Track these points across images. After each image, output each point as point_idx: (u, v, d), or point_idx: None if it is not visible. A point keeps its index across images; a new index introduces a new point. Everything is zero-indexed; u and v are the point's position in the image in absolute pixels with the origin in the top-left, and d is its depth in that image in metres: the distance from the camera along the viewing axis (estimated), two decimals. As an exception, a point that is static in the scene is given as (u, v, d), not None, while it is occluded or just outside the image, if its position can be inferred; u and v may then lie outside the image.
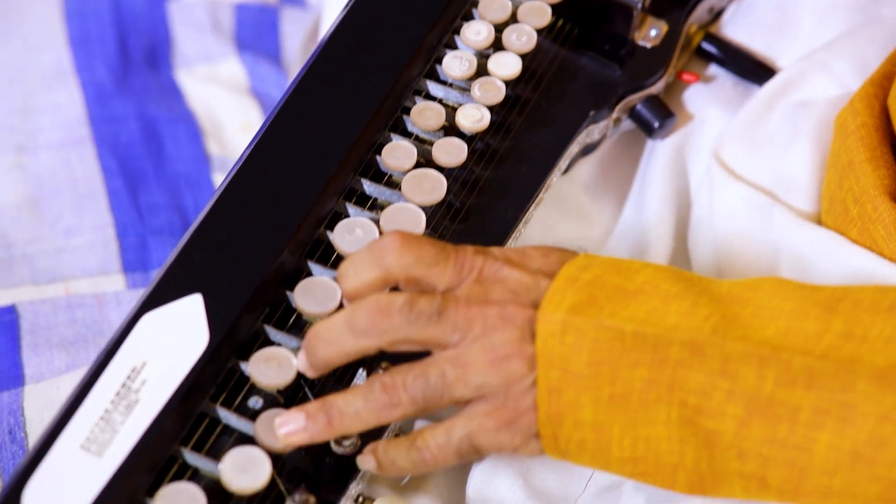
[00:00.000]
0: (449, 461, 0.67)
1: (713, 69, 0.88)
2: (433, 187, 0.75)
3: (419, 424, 0.77)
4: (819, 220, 0.79)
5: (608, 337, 0.63)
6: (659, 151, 0.85)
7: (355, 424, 0.66)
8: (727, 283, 0.66)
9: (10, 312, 0.86)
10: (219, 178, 0.95)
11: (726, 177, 0.81)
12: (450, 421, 0.67)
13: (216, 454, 0.67)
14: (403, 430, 0.77)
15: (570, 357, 0.64)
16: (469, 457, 0.67)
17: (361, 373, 0.71)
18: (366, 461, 0.69)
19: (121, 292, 0.88)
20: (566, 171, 0.84)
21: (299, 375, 0.69)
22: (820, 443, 0.61)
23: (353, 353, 0.67)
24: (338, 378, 0.72)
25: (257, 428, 0.67)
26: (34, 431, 0.79)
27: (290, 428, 0.66)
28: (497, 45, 0.80)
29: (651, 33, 0.84)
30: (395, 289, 0.68)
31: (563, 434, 0.65)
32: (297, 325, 0.72)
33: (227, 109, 0.98)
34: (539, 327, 0.64)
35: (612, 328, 0.63)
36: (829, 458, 0.61)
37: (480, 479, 0.73)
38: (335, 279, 0.71)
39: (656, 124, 0.84)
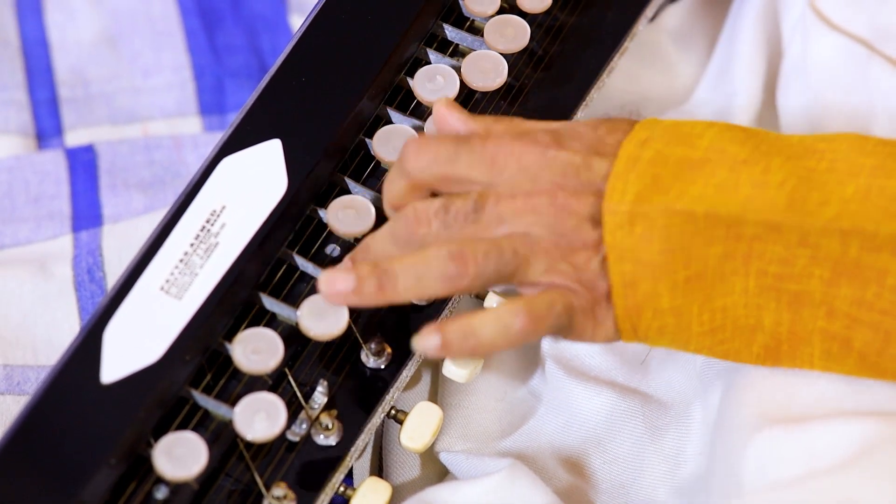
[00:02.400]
0: (541, 335, 0.64)
1: None
2: (516, 34, 0.73)
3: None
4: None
5: (679, 221, 0.61)
6: None
7: (413, 291, 0.63)
8: (798, 136, 0.63)
9: (89, 151, 0.86)
10: (296, 21, 0.93)
11: (821, 25, 0.78)
12: (547, 294, 0.63)
13: (294, 301, 0.68)
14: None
15: (641, 247, 0.62)
16: (561, 334, 0.64)
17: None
18: (429, 341, 0.62)
19: (197, 135, 0.88)
20: (653, 18, 0.82)
21: (377, 223, 0.69)
22: None
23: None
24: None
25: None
26: (112, 272, 0.80)
27: (339, 288, 0.63)
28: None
29: None
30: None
31: (642, 325, 0.63)
32: (376, 175, 0.71)
33: (305, -52, 0.96)
34: (605, 220, 0.62)
35: (682, 212, 0.61)
36: None
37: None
38: (415, 127, 0.70)
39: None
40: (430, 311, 0.69)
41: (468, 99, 0.74)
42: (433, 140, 0.65)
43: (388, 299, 0.63)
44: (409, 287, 0.63)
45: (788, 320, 0.62)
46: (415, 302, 0.69)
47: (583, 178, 0.63)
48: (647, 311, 0.63)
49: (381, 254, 0.65)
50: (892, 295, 0.60)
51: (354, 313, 0.69)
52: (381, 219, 0.70)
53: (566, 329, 0.64)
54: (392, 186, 0.66)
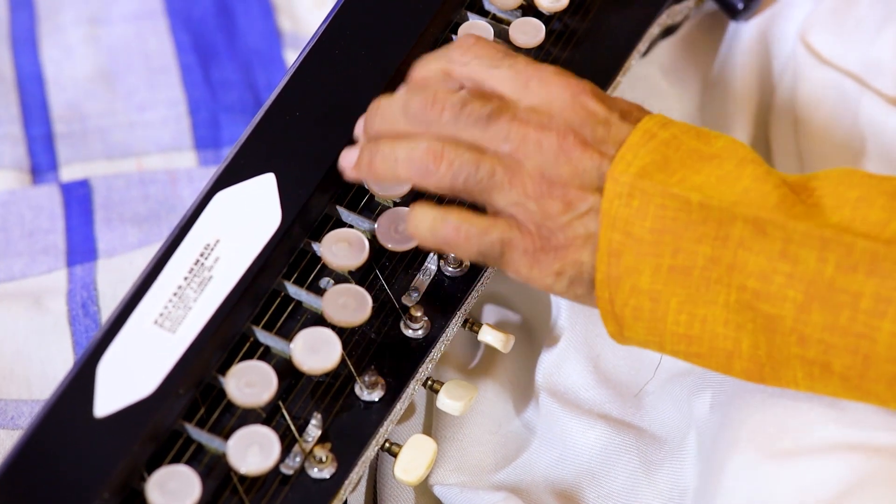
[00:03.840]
0: (467, 254, 0.66)
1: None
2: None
3: (488, 312, 0.77)
4: (907, 109, 0.77)
5: (674, 205, 0.62)
6: (742, 34, 0.83)
7: (389, 171, 0.66)
8: (793, 176, 0.64)
9: (84, 186, 0.86)
10: (291, 55, 0.94)
11: (812, 61, 0.79)
12: (492, 219, 0.65)
13: (287, 334, 0.68)
14: (473, 316, 0.77)
15: (633, 221, 0.63)
16: (488, 262, 0.66)
17: (433, 255, 0.71)
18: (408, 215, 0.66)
19: (192, 169, 0.88)
20: (645, 53, 0.82)
21: (370, 258, 0.69)
22: (882, 331, 0.60)
23: (402, 133, 0.66)
24: (409, 261, 0.71)
25: (325, 304, 0.67)
26: (107, 305, 0.80)
27: (347, 162, 0.68)
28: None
29: (738, -89, 0.81)
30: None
31: (619, 298, 0.64)
32: (370, 207, 0.72)
33: (300, -16, 0.97)
34: (607, 187, 0.63)
35: (678, 196, 0.62)
36: (893, 345, 0.60)
37: (550, 364, 0.73)
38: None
39: (740, 6, 0.82)
40: (424, 343, 0.69)
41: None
42: (486, 43, 0.67)
43: (375, 175, 0.66)
44: (386, 165, 0.66)
45: (765, 344, 0.62)
46: (407, 333, 0.69)
47: (598, 133, 0.64)
48: (625, 284, 0.63)
49: (388, 116, 0.66)
50: (866, 318, 0.60)
51: (348, 346, 0.69)
52: (374, 252, 0.70)
53: (496, 260, 0.66)
54: (428, 65, 0.68)
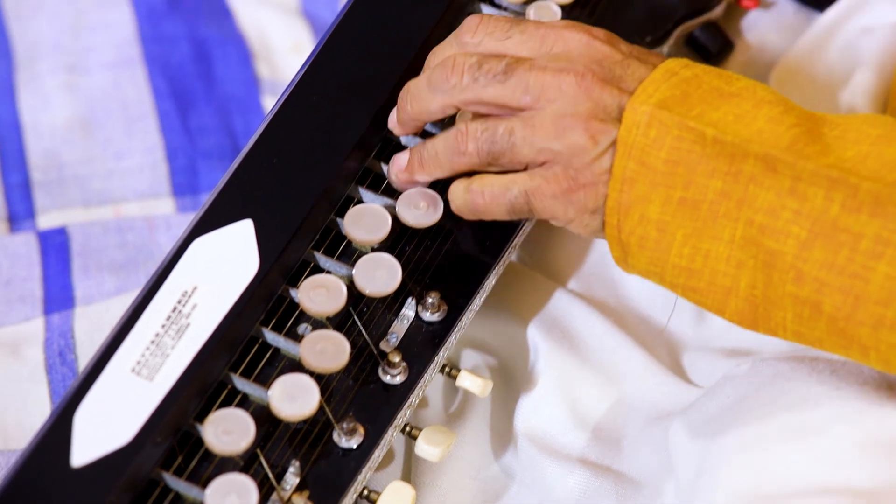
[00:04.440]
0: (499, 213, 0.68)
1: (774, -5, 0.86)
2: (486, 114, 0.74)
3: (466, 357, 0.77)
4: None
5: (690, 138, 0.64)
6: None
7: (437, 167, 0.69)
8: (824, 114, 0.66)
9: (61, 234, 0.86)
10: (269, 101, 0.94)
11: None
12: (511, 175, 0.68)
13: (265, 381, 0.68)
14: (452, 361, 0.77)
15: (649, 150, 0.64)
16: (520, 215, 0.68)
17: (410, 301, 0.71)
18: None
19: (170, 216, 0.88)
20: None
21: (348, 303, 0.69)
22: (877, 272, 0.61)
23: (433, 110, 0.69)
24: (387, 307, 0.71)
25: (303, 350, 0.67)
26: (84, 353, 0.80)
27: (399, 165, 0.70)
28: (554, -31, 0.78)
29: (711, -43, 0.82)
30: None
31: (626, 226, 0.65)
32: (347, 253, 0.72)
33: (277, 31, 0.97)
34: (626, 116, 0.65)
35: (694, 129, 0.64)
36: (885, 287, 0.61)
37: (528, 409, 0.73)
38: (386, 206, 0.71)
39: (714, 51, 0.82)
40: (402, 389, 0.69)
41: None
42: (491, 19, 0.69)
43: (427, 175, 0.70)
44: (434, 163, 0.69)
45: (762, 283, 0.63)
46: (385, 379, 0.69)
47: (616, 72, 0.66)
48: (634, 212, 0.65)
49: (416, 95, 0.69)
50: (864, 259, 0.61)
51: (326, 393, 0.69)
52: (352, 298, 0.70)
53: (527, 212, 0.68)
54: (442, 52, 0.70)
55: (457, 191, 0.69)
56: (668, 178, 0.64)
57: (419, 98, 0.69)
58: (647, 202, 0.65)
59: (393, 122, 0.72)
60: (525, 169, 0.68)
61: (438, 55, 0.71)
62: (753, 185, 0.63)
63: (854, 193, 0.61)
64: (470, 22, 0.69)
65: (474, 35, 0.69)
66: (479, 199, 0.68)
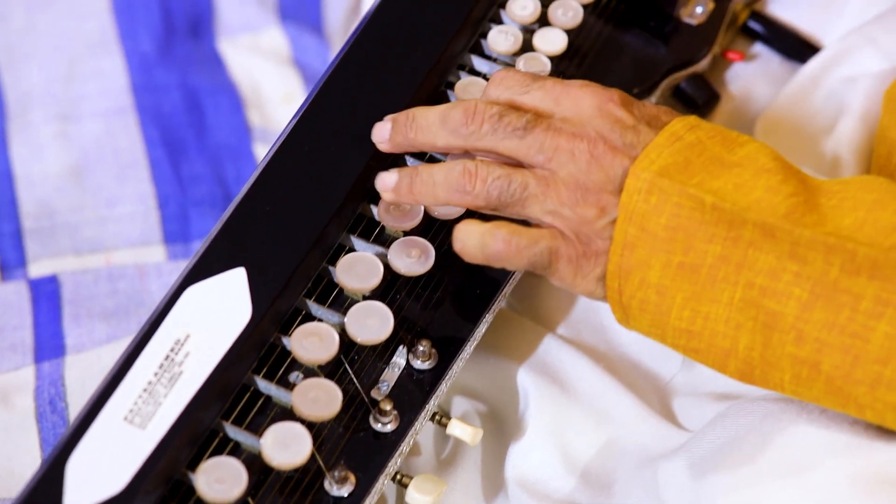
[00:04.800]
0: (516, 265, 0.68)
1: (758, 48, 0.87)
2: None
3: (457, 404, 0.77)
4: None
5: (689, 205, 0.65)
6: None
7: (430, 195, 0.69)
8: (821, 180, 0.67)
9: (52, 282, 0.86)
10: (260, 150, 0.95)
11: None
12: (538, 230, 0.68)
13: (257, 429, 0.68)
14: (443, 408, 0.77)
15: (650, 216, 0.65)
16: (536, 270, 0.69)
17: (402, 349, 0.72)
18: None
19: (161, 263, 0.88)
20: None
21: (340, 351, 0.69)
22: (877, 331, 0.62)
23: (440, 146, 0.70)
24: (378, 355, 0.72)
25: (295, 399, 0.67)
26: (75, 402, 0.80)
27: (386, 183, 0.70)
28: (543, 21, 0.79)
29: (697, 10, 0.83)
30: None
31: (627, 289, 0.66)
32: (339, 301, 0.72)
33: (269, 80, 0.98)
34: (628, 182, 0.66)
35: (694, 196, 0.65)
36: (884, 346, 0.62)
37: (518, 455, 0.74)
38: (378, 254, 0.71)
39: (700, 103, 0.83)
40: (393, 437, 0.69)
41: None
42: (515, 72, 0.71)
43: (415, 199, 0.70)
44: (428, 190, 0.69)
45: (761, 344, 0.64)
46: (377, 427, 0.69)
47: (627, 139, 0.67)
48: (635, 277, 0.66)
49: (425, 127, 0.70)
50: (864, 318, 0.62)
51: (318, 441, 0.69)
52: (344, 346, 0.70)
53: (545, 269, 0.68)
54: (469, 101, 0.71)
55: (473, 232, 0.68)
56: (668, 243, 0.65)
57: (427, 131, 0.70)
58: (647, 267, 0.66)
59: (381, 137, 0.71)
60: (526, 223, 0.69)
61: (464, 97, 0.72)
62: (753, 250, 0.64)
63: (852, 258, 0.63)
64: (498, 74, 0.71)
65: (496, 88, 0.70)
66: (502, 246, 0.68)
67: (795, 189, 0.65)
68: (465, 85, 0.76)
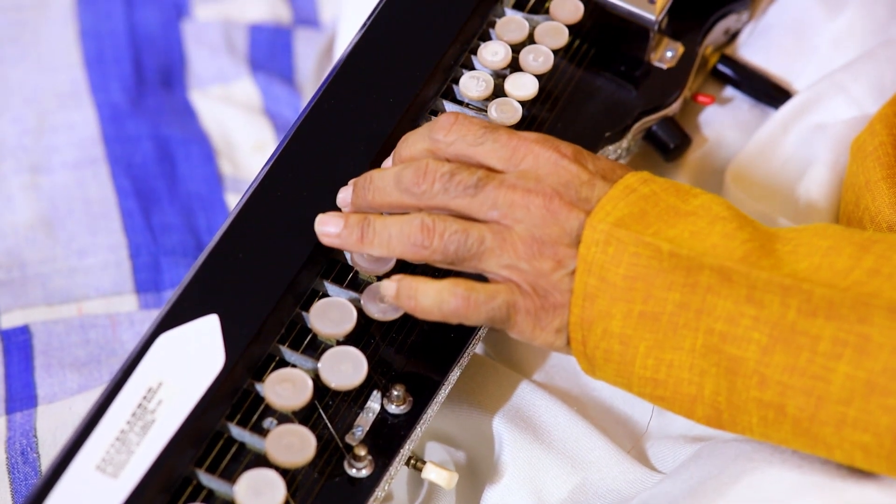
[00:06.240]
0: (477, 321, 0.68)
1: (729, 91, 0.88)
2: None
3: (431, 450, 0.77)
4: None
5: (647, 253, 0.65)
6: (673, 175, 0.85)
7: (383, 247, 0.68)
8: (775, 228, 0.67)
9: (24, 333, 0.86)
10: (232, 199, 0.95)
11: (741, 200, 0.81)
12: (493, 286, 0.68)
13: (231, 476, 0.67)
14: (417, 454, 0.77)
15: (608, 267, 0.65)
16: (496, 325, 0.68)
17: (376, 394, 0.71)
18: (387, 287, 0.69)
19: (133, 313, 0.88)
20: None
21: (313, 396, 0.69)
22: (838, 372, 0.62)
23: (395, 205, 0.69)
24: (352, 400, 0.71)
25: (268, 445, 0.66)
26: (47, 452, 0.79)
27: (327, 229, 0.69)
28: (514, 66, 0.80)
29: (667, 55, 0.84)
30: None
31: (591, 340, 0.66)
32: (313, 346, 0.72)
33: (240, 130, 0.98)
34: (585, 234, 0.66)
35: (650, 245, 0.65)
36: (846, 387, 0.62)
37: (494, 501, 0.73)
38: (351, 299, 0.71)
39: (672, 146, 0.84)
40: (368, 482, 0.69)
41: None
42: (466, 121, 0.70)
43: (365, 249, 0.69)
44: (381, 242, 0.68)
45: (726, 389, 0.64)
46: (351, 472, 0.69)
47: (582, 194, 0.67)
48: (598, 327, 0.66)
49: (381, 188, 0.70)
50: (823, 360, 0.62)
51: (292, 487, 0.68)
52: (318, 391, 0.70)
53: (503, 323, 0.68)
54: (413, 145, 0.71)
55: (427, 290, 0.68)
56: (628, 292, 0.65)
57: (383, 192, 0.70)
58: (608, 317, 0.66)
59: (344, 202, 0.71)
60: (481, 278, 0.68)
61: (408, 145, 0.71)
62: (711, 295, 0.64)
63: (808, 299, 0.63)
64: (445, 120, 0.70)
65: (447, 134, 0.70)
66: (461, 302, 0.67)
67: (751, 235, 0.65)
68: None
